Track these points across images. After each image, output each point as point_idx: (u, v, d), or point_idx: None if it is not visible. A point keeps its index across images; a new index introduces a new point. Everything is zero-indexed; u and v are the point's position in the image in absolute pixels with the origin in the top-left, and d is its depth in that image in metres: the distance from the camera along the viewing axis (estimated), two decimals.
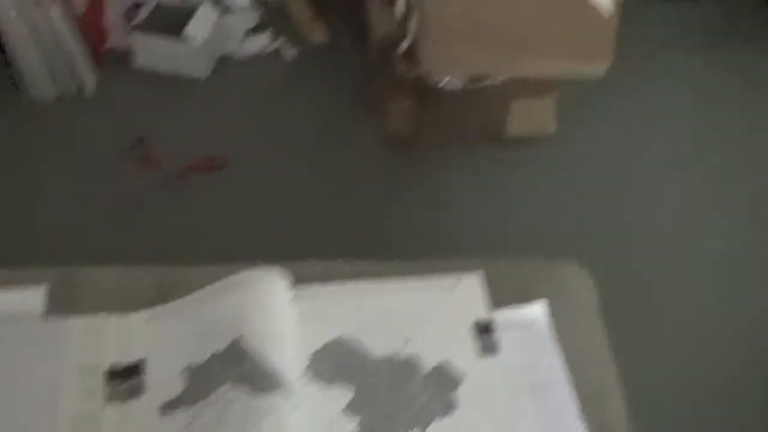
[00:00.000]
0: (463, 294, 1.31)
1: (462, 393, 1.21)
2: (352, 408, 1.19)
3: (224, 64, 2.60)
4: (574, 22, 2.07)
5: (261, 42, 2.63)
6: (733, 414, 1.95)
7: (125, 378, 1.22)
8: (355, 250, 1.46)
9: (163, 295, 1.33)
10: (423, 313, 1.29)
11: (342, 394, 1.20)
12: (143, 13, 2.55)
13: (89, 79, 2.49)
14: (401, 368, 1.23)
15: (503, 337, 1.28)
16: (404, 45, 2.16)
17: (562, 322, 1.34)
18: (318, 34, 2.67)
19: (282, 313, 1.25)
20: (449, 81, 2.24)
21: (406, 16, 2.15)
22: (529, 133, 2.40)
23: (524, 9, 2.06)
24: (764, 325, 2.09)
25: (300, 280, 1.34)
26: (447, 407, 1.19)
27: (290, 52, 2.63)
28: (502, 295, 1.35)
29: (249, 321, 1.22)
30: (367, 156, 2.39)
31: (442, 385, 1.21)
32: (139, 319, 1.28)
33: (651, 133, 2.48)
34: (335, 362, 1.23)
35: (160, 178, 2.29)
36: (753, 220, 2.30)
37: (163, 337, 1.25)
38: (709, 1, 2.84)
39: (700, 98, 2.59)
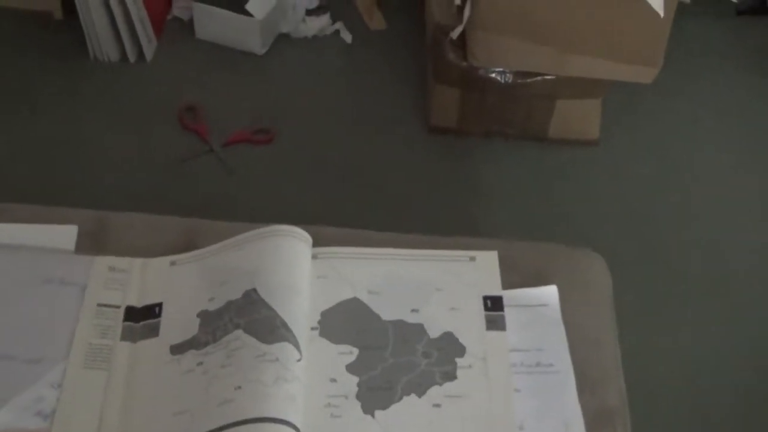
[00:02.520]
0: (476, 270, 1.35)
1: (463, 364, 1.24)
2: (354, 368, 1.23)
3: (282, 41, 2.64)
4: (627, 24, 2.08)
5: (320, 23, 2.67)
6: (730, 405, 1.97)
7: (142, 318, 1.27)
8: (387, 227, 1.48)
9: (187, 244, 1.38)
10: (435, 284, 1.32)
11: (347, 353, 1.24)
12: None
13: (150, 45, 2.56)
14: (407, 334, 1.27)
15: (511, 315, 1.31)
16: (456, 32, 2.18)
17: (572, 307, 1.37)
18: (377, 21, 2.71)
19: (299, 269, 1.29)
20: (496, 74, 2.27)
21: (462, 4, 2.17)
22: (571, 134, 2.41)
23: (578, 6, 2.07)
24: None
25: (323, 243, 1.38)
26: (447, 376, 1.23)
27: (348, 36, 2.67)
28: (517, 276, 1.38)
29: (266, 273, 1.26)
30: (410, 140, 2.42)
31: (445, 354, 1.25)
32: (161, 264, 1.33)
33: (692, 145, 2.48)
34: (344, 322, 1.27)
35: (207, 146, 2.35)
36: None
37: (182, 282, 1.30)
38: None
39: (746, 114, 2.57)
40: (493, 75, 2.28)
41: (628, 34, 2.11)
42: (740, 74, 2.68)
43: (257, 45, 2.60)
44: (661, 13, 1.98)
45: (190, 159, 2.32)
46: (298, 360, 1.18)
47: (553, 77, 2.26)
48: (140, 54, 2.57)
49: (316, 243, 1.36)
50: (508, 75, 2.28)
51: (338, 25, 2.70)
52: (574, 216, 2.28)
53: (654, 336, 2.06)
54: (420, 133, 2.45)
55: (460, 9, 2.19)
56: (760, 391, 2.00)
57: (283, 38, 2.66)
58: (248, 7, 2.53)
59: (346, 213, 2.22)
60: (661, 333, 2.08)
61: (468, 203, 2.28)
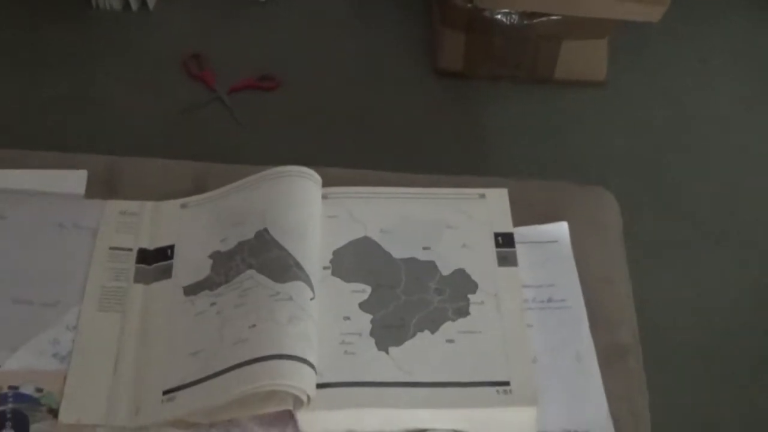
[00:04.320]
0: (487, 206, 1.35)
1: (476, 300, 1.24)
2: (367, 306, 1.23)
3: None
4: None
5: None
6: (740, 346, 1.99)
7: (155, 260, 1.27)
8: (395, 169, 1.48)
9: (198, 187, 1.38)
10: (446, 221, 1.32)
11: (359, 291, 1.25)
12: None
13: None
14: (419, 271, 1.27)
15: (523, 252, 1.31)
16: None
17: (583, 244, 1.37)
18: None
19: (310, 208, 1.29)
20: (502, 16, 2.25)
21: None
22: (578, 76, 2.40)
23: None
24: None
25: (332, 184, 1.38)
26: (460, 312, 1.23)
27: None
28: (528, 213, 1.38)
29: (277, 213, 1.27)
30: (417, 84, 2.42)
31: (457, 290, 1.25)
32: (172, 206, 1.33)
33: (701, 88, 2.47)
34: (356, 261, 1.28)
35: (213, 94, 2.34)
36: None
37: (194, 224, 1.31)
38: None
39: (756, 58, 2.56)
40: (499, 16, 2.27)
41: None
42: (748, 13, 2.67)
43: None
44: None
45: (197, 106, 2.32)
46: (311, 298, 1.19)
47: (558, 17, 2.25)
48: (143, 2, 2.56)
49: (326, 183, 1.36)
50: (513, 16, 2.27)
51: None
52: (583, 157, 2.28)
53: (662, 278, 2.07)
54: (427, 76, 2.44)
55: None
56: (755, 336, 2.02)
57: None
58: None
59: (354, 156, 2.20)
60: (670, 275, 2.09)
61: (476, 145, 2.28)
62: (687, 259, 2.12)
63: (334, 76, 2.43)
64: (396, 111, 2.36)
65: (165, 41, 2.49)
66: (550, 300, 1.27)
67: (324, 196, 1.34)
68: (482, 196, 1.36)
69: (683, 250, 2.13)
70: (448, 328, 1.21)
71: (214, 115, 2.31)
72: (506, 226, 1.32)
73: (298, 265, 1.21)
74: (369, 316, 1.22)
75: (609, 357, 1.25)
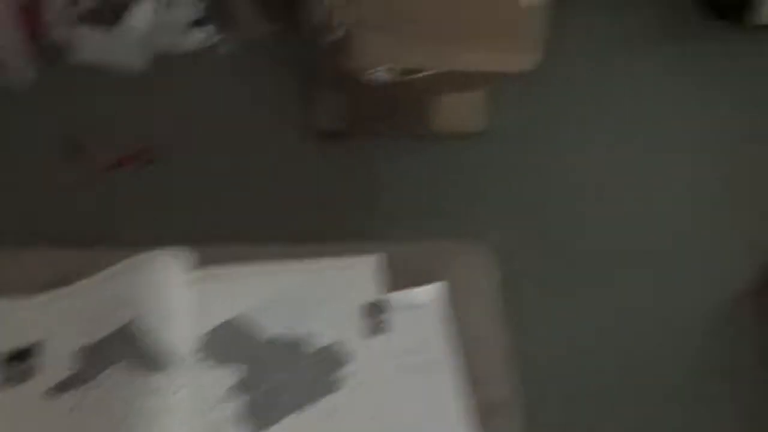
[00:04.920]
0: (356, 276, 1.34)
1: (349, 372, 1.23)
2: (239, 387, 1.21)
3: (165, 56, 2.61)
4: (499, 15, 2.10)
5: (202, 36, 2.64)
6: (621, 397, 2.00)
7: (16, 361, 1.23)
8: (279, 237, 1.47)
9: (62, 279, 1.34)
10: (318, 295, 1.32)
11: (231, 374, 1.23)
12: (84, 5, 2.56)
13: (27, 70, 2.50)
14: (291, 348, 1.26)
15: (395, 318, 1.31)
16: (336, 35, 2.17)
17: (459, 303, 1.37)
18: (259, 28, 2.69)
19: (176, 294, 1.27)
20: (380, 73, 2.26)
21: (341, 5, 2.16)
22: (458, 128, 2.43)
23: (452, 2, 2.08)
24: (656, 319, 2.14)
25: (205, 262, 1.36)
26: (333, 386, 1.22)
27: (231, 46, 2.65)
28: (404, 277, 1.38)
29: (142, 302, 1.24)
30: (299, 147, 2.42)
31: (330, 364, 1.24)
32: (36, 302, 1.30)
33: (579, 133, 2.51)
34: (227, 342, 1.26)
35: (91, 171, 2.30)
36: (675, 209, 2.34)
37: (59, 320, 1.27)
38: (647, 4, 2.88)
39: (635, 93, 2.62)
40: (377, 74, 2.27)
41: (505, 25, 2.13)
42: (620, 52, 2.73)
43: (139, 62, 2.57)
44: (532, 3, 2.00)
45: (75, 185, 2.28)
46: (179, 388, 1.16)
47: (435, 73, 2.27)
48: (18, 80, 2.52)
49: (198, 263, 1.34)
50: (392, 73, 2.27)
51: (221, 36, 2.67)
52: (467, 209, 2.30)
53: (547, 324, 2.09)
54: (309, 138, 2.44)
55: (340, 11, 2.18)
56: (647, 373, 2.04)
57: (165, 53, 2.63)
58: (127, 23, 2.49)
59: (237, 227, 2.20)
60: (555, 321, 2.11)
61: (361, 204, 2.28)
62: (570, 304, 2.14)
63: (215, 144, 2.41)
64: (278, 175, 2.35)
65: (42, 118, 2.45)
66: (424, 364, 1.27)
67: (195, 278, 1.32)
68: (353, 265, 1.35)
69: (565, 296, 2.15)
70: (323, 403, 1.20)
71: (92, 192, 2.27)
72: (377, 294, 1.32)
73: (164, 354, 1.19)
74: (242, 398, 1.20)
75: (485, 415, 1.25)
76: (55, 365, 1.22)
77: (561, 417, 1.92)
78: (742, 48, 2.75)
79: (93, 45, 2.55)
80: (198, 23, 2.67)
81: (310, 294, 1.32)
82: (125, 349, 1.20)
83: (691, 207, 2.36)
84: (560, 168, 2.41)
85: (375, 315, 1.30)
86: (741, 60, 2.72)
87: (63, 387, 1.19)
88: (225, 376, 1.22)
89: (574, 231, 2.28)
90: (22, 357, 1.24)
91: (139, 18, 2.52)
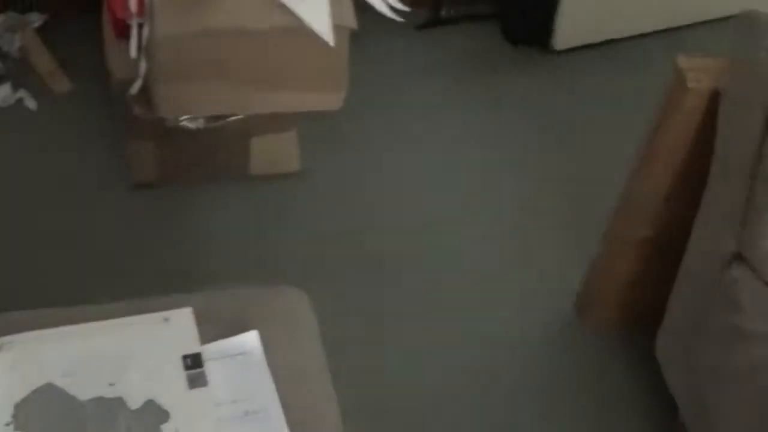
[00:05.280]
0: (171, 330, 1.33)
1: (169, 429, 1.22)
2: None
3: None
4: (304, 56, 2.11)
5: (1, 94, 2.57)
6: (451, 423, 2.05)
7: None
8: (97, 294, 1.45)
9: None
10: (131, 352, 1.30)
11: None
12: None
13: None
14: (107, 410, 1.23)
15: (214, 369, 1.30)
16: (135, 87, 2.15)
17: (277, 348, 1.38)
18: (61, 84, 2.63)
19: None
20: (188, 121, 2.25)
21: (139, 56, 2.14)
22: (272, 169, 2.43)
23: (256, 45, 2.08)
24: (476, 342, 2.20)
25: (11, 330, 1.32)
26: None
27: (33, 103, 2.58)
28: (219, 327, 1.37)
29: None
30: (114, 201, 2.37)
31: (148, 423, 1.22)
32: None
33: (392, 161, 2.56)
34: (40, 411, 1.23)
35: None
36: (492, 236, 2.41)
37: None
38: (451, 34, 2.95)
39: (444, 123, 2.68)
40: (184, 123, 2.26)
41: (307, 66, 2.15)
42: (426, 83, 2.79)
43: None
44: (331, 42, 2.03)
45: None
46: None
47: (243, 117, 2.27)
48: None
49: (4, 331, 1.30)
50: (199, 121, 2.27)
51: (21, 93, 2.60)
52: (286, 251, 2.30)
53: (373, 360, 2.11)
54: (123, 192, 2.40)
55: (138, 64, 2.16)
56: (479, 398, 2.09)
57: None
58: None
59: (51, 288, 2.14)
60: (381, 356, 2.13)
61: (178, 255, 2.26)
62: (390, 342, 2.17)
63: (25, 207, 2.34)
64: (94, 232, 2.30)
65: None
66: (246, 413, 1.27)
67: (0, 347, 1.28)
68: (166, 319, 1.34)
69: (386, 334, 2.18)
70: None
71: None
72: (193, 346, 1.31)
73: None
74: None
75: None
76: None
77: None
78: (544, 74, 2.86)
79: None
80: None
81: (124, 351, 1.29)
82: None
83: (506, 233, 2.43)
84: (375, 203, 2.44)
85: (193, 367, 1.29)
86: (543, 85, 2.83)
87: None
88: None
89: (392, 267, 2.31)
90: None
91: None
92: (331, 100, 2.25)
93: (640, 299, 2.12)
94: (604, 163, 2.48)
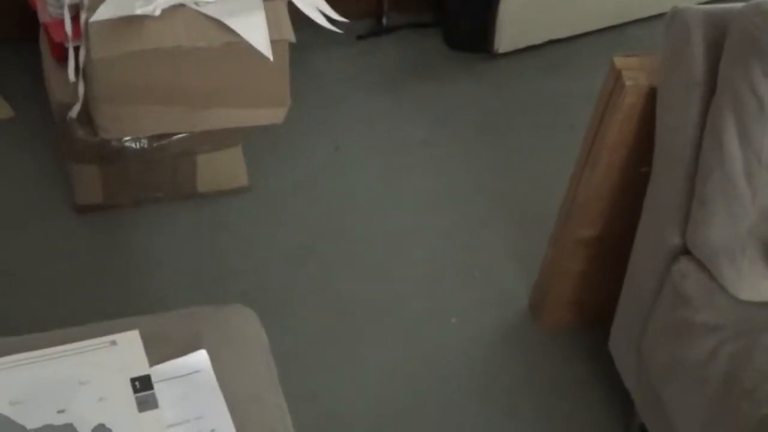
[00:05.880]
0: (119, 353, 1.32)
1: None
2: None
3: None
4: (245, 71, 2.10)
5: None
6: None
7: None
8: (42, 323, 1.43)
9: None
10: (79, 378, 1.29)
11: None
12: None
13: None
14: None
15: (164, 391, 1.29)
16: (75, 110, 2.13)
17: (227, 366, 1.37)
18: (2, 110, 2.60)
19: None
20: (130, 142, 2.24)
21: (77, 80, 2.12)
22: (220, 186, 2.42)
23: (194, 63, 2.07)
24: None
25: None
26: None
27: None
28: (169, 348, 1.37)
29: None
30: (59, 226, 2.34)
31: None
32: None
33: (339, 174, 2.55)
34: None
35: None
36: (442, 243, 2.41)
37: None
38: (393, 42, 2.96)
39: (389, 131, 2.69)
40: (128, 143, 2.24)
41: (248, 81, 2.14)
42: (370, 93, 2.80)
43: None
44: (270, 57, 2.03)
45: None
46: None
47: (187, 134, 2.26)
48: None
49: None
50: (143, 141, 2.25)
51: None
52: (239, 267, 2.29)
53: (327, 373, 2.11)
54: (68, 216, 2.37)
55: (76, 88, 2.14)
56: (436, 404, 2.10)
57: None
58: None
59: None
60: (334, 369, 2.13)
61: (125, 278, 2.24)
62: (344, 353, 2.16)
63: None
64: (39, 258, 2.28)
65: None
66: None
67: None
68: (113, 342, 1.33)
69: (339, 347, 2.18)
70: None
71: None
72: (142, 369, 1.30)
73: None
74: None
75: None
76: None
77: None
78: (486, 78, 2.87)
79: None
80: None
81: (72, 377, 1.28)
82: None
83: (453, 238, 2.43)
84: (324, 217, 2.44)
85: (142, 390, 1.28)
86: (486, 89, 2.84)
87: None
88: None
89: (345, 277, 2.31)
90: None
91: None
92: (274, 115, 2.25)
93: (591, 298, 2.14)
94: (550, 164, 2.50)
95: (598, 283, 2.08)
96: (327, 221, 2.43)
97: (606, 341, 2.02)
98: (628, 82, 1.76)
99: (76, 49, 2.10)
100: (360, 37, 2.94)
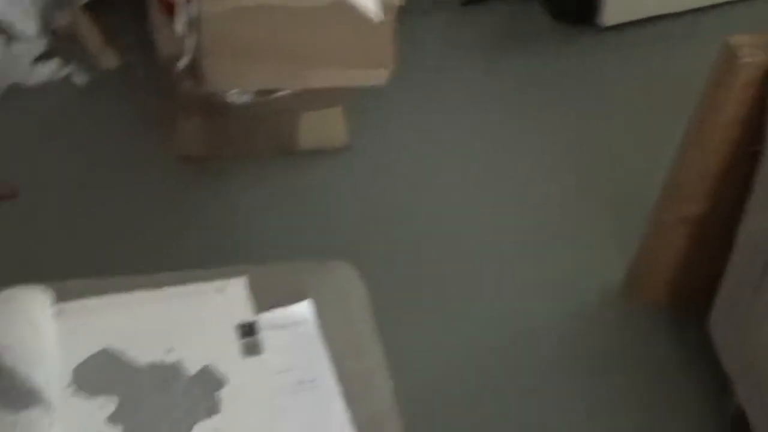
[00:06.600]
0: (227, 298, 1.34)
1: (225, 395, 1.23)
2: (115, 418, 1.20)
3: (12, 93, 2.54)
4: (351, 32, 2.12)
5: (50, 69, 2.59)
6: (498, 397, 2.03)
7: None
8: (146, 267, 1.46)
9: None
10: (187, 320, 1.31)
11: (105, 405, 1.21)
12: None
13: None
14: (165, 375, 1.25)
15: (268, 338, 1.31)
16: (183, 62, 2.16)
17: (330, 320, 1.38)
18: (109, 59, 2.65)
19: (40, 329, 1.25)
20: (236, 96, 2.26)
21: (186, 33, 2.15)
22: (320, 145, 2.44)
23: (302, 22, 2.09)
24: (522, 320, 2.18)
25: (69, 297, 1.34)
26: (210, 410, 1.21)
27: (81, 79, 2.60)
28: (272, 297, 1.38)
29: (6, 338, 1.22)
30: (160, 175, 2.39)
31: (205, 388, 1.24)
32: None
33: (440, 136, 2.56)
34: (98, 374, 1.24)
35: None
36: (537, 216, 2.40)
37: None
38: (497, 10, 2.94)
39: (489, 100, 2.68)
40: (232, 97, 2.27)
41: (354, 42, 2.15)
42: (471, 60, 2.78)
43: None
44: (378, 18, 2.03)
45: None
46: (54, 422, 1.14)
47: (292, 91, 2.28)
48: None
49: (63, 298, 1.32)
50: (247, 95, 2.28)
51: (70, 68, 2.63)
52: (334, 225, 2.30)
53: (420, 335, 2.11)
54: (170, 166, 2.41)
55: (187, 38, 2.17)
56: (525, 377, 2.08)
57: (12, 89, 2.57)
58: None
59: (101, 259, 2.16)
60: (427, 331, 2.12)
61: (226, 228, 2.27)
62: (439, 313, 2.17)
63: (73, 179, 2.37)
64: (141, 205, 2.32)
65: None
66: (300, 382, 1.28)
67: (59, 312, 1.30)
68: (221, 288, 1.36)
69: (433, 308, 2.18)
70: (200, 429, 1.19)
71: None
72: (248, 315, 1.32)
73: (33, 390, 1.16)
74: (118, 429, 1.19)
75: (368, 428, 1.26)
76: None
77: (442, 424, 1.95)
78: (589, 51, 2.84)
79: None
80: (46, 56, 2.62)
81: (181, 319, 1.31)
82: None
83: (547, 213, 2.41)
84: (419, 179, 2.44)
85: (248, 336, 1.30)
86: (589, 63, 2.81)
87: None
88: (99, 408, 1.21)
89: (441, 242, 2.31)
90: None
91: None
92: (377, 76, 2.26)
93: (689, 277, 2.10)
94: (653, 142, 2.47)
95: (698, 262, 2.05)
96: (423, 184, 2.43)
97: (701, 321, 1.99)
98: (745, 59, 1.73)
99: (187, 3, 2.13)
100: (464, 4, 2.92)
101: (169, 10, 2.21)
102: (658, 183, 2.04)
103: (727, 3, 2.94)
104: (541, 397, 2.04)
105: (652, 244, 2.10)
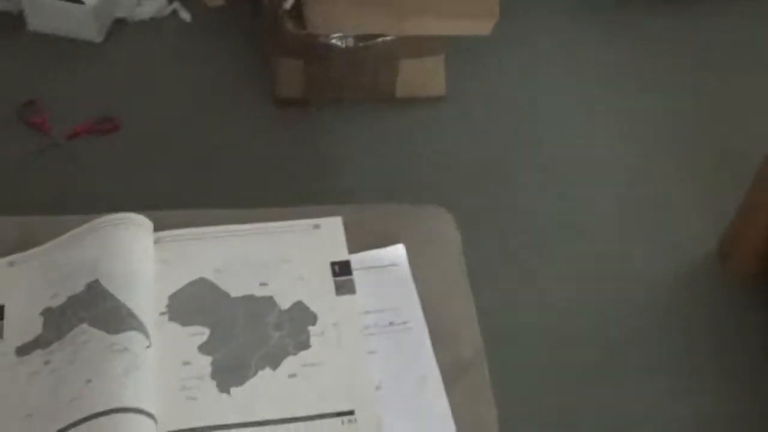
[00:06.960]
0: (321, 237, 1.35)
1: (316, 332, 1.24)
2: (206, 348, 1.22)
3: (119, 27, 2.59)
4: None
5: (157, 5, 2.62)
6: (585, 355, 2.03)
7: None
8: (240, 204, 1.48)
9: (27, 242, 1.34)
10: (281, 255, 1.32)
11: (198, 334, 1.23)
12: None
13: None
14: (257, 308, 1.26)
15: (361, 278, 1.31)
16: (288, 3, 2.17)
17: (422, 264, 1.38)
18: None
19: (140, 256, 1.27)
20: (337, 40, 2.26)
21: None
22: (418, 93, 2.43)
23: None
24: (616, 274, 2.17)
25: (166, 227, 1.36)
26: (300, 345, 1.23)
27: (186, 15, 2.63)
28: (365, 238, 1.39)
29: (106, 263, 1.24)
30: (258, 115, 2.41)
31: (297, 323, 1.25)
32: None
33: (537, 92, 2.53)
34: (192, 303, 1.26)
35: (50, 141, 2.29)
36: (633, 178, 2.36)
37: (23, 282, 1.27)
38: None
39: (586, 57, 2.64)
40: (334, 41, 2.28)
41: None
42: (575, 19, 2.74)
43: (93, 32, 2.54)
44: None
45: (35, 154, 2.26)
46: (148, 347, 1.17)
47: (393, 38, 2.27)
48: None
49: (160, 227, 1.34)
50: (348, 40, 2.28)
51: (175, 5, 2.66)
52: (429, 174, 2.31)
53: (511, 286, 2.10)
54: (267, 107, 2.43)
55: None
56: (613, 337, 2.06)
57: (119, 23, 2.61)
58: None
59: (197, 194, 2.20)
60: (518, 283, 2.12)
61: (321, 171, 2.29)
62: (532, 265, 2.16)
63: (173, 113, 2.40)
64: (238, 144, 2.34)
65: None
66: (391, 324, 1.28)
67: (156, 241, 1.32)
68: (316, 226, 1.36)
69: (528, 257, 2.17)
70: (290, 362, 1.21)
71: (51, 162, 2.26)
72: (342, 254, 1.33)
73: (131, 314, 1.19)
74: (209, 358, 1.21)
75: (453, 374, 1.26)
76: (21, 327, 1.21)
77: (527, 376, 1.95)
78: (696, 15, 2.77)
79: (47, 15, 2.52)
80: None
81: (275, 254, 1.32)
82: (90, 310, 1.20)
83: (645, 174, 2.38)
84: (515, 132, 2.42)
85: (341, 275, 1.31)
86: (695, 27, 2.74)
87: (31, 346, 1.19)
88: (192, 337, 1.23)
89: (537, 195, 2.30)
90: None
91: None
92: (482, 26, 2.24)
93: None
94: (757, 111, 2.41)
95: None
96: (520, 138, 2.42)
97: None
98: None
99: None
100: None
101: None
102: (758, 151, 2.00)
103: None
104: (625, 359, 2.03)
105: (747, 211, 2.07)
